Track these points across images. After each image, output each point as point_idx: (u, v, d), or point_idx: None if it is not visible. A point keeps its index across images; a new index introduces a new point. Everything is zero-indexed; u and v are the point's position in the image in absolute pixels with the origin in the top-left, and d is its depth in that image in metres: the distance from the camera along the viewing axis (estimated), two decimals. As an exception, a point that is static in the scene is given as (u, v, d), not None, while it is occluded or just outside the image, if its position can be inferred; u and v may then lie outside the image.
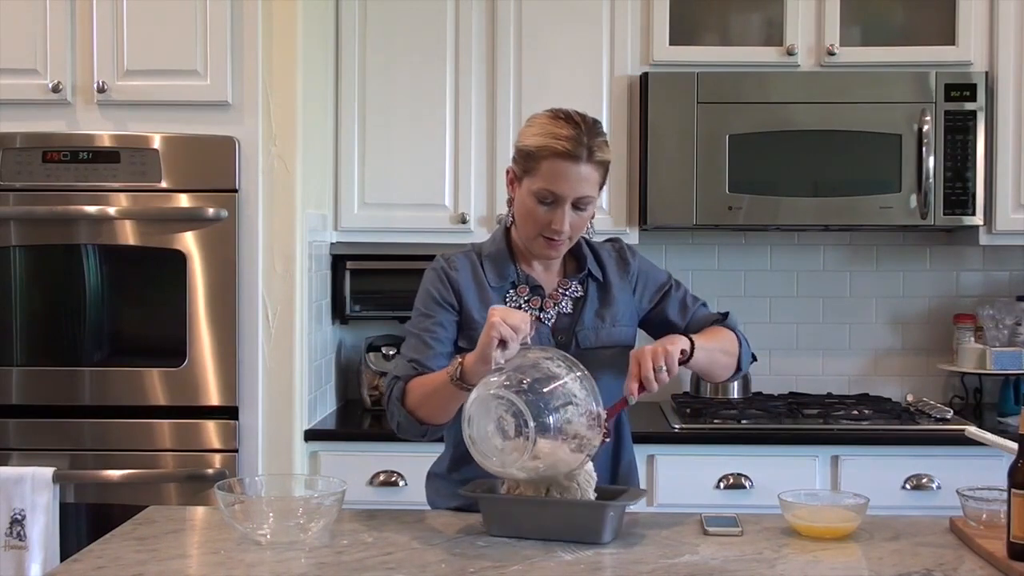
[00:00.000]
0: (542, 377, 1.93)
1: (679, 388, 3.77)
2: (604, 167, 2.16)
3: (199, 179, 3.05)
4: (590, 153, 2.11)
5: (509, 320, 1.92)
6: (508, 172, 2.22)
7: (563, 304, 2.25)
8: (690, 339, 2.13)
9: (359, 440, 3.30)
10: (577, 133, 2.11)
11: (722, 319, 2.32)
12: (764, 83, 3.41)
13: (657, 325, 2.33)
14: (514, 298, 2.23)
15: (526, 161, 2.15)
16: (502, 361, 1.92)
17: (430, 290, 2.23)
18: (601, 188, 2.20)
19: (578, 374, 1.97)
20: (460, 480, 2.20)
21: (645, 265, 2.35)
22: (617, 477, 2.28)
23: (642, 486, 3.08)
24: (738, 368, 2.29)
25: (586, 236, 2.29)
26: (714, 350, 2.21)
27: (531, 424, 1.86)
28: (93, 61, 3.06)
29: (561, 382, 1.94)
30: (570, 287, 2.26)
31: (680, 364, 2.08)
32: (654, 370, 2.01)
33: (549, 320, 2.23)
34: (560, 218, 2.13)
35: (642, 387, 2.02)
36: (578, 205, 2.14)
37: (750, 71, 3.43)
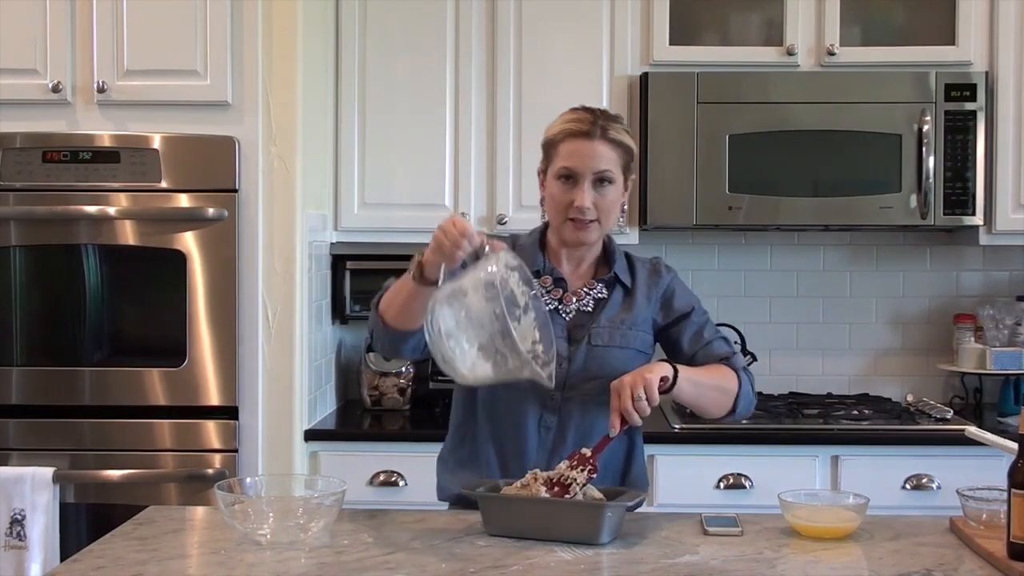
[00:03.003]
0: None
1: (679, 388, 3.76)
2: (622, 148, 2.21)
3: (199, 179, 3.05)
4: (603, 131, 2.18)
5: (459, 224, 1.97)
6: (538, 173, 2.29)
7: (585, 302, 2.27)
8: (674, 367, 2.12)
9: (359, 440, 3.30)
10: (591, 116, 2.21)
11: (730, 357, 2.29)
12: (764, 83, 3.41)
13: (667, 347, 2.34)
14: (537, 286, 2.23)
15: (547, 151, 2.25)
16: (461, 254, 1.94)
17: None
18: (626, 173, 2.23)
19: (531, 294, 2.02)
20: (462, 458, 2.26)
21: (677, 285, 2.35)
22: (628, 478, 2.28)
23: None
24: (733, 410, 2.25)
25: (620, 232, 2.29)
26: (704, 384, 2.19)
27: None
28: (93, 61, 3.06)
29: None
30: (595, 288, 2.28)
31: (663, 393, 2.08)
32: (633, 400, 2.02)
33: (568, 315, 2.24)
34: (581, 194, 2.17)
35: (624, 420, 2.04)
36: (600, 179, 2.18)
37: (750, 71, 3.43)
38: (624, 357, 2.22)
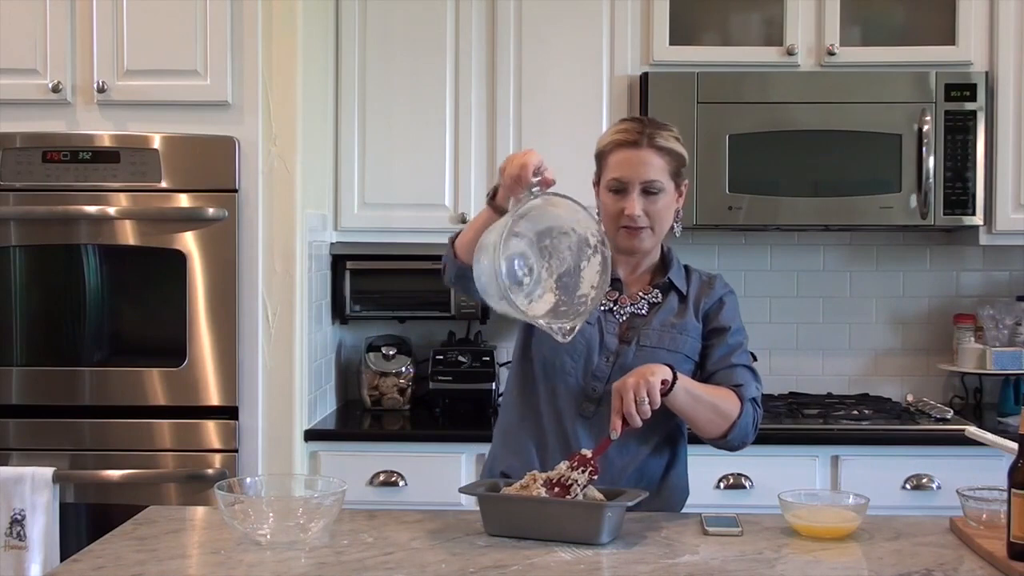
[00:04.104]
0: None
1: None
2: (671, 155, 2.24)
3: (199, 179, 3.05)
4: (650, 139, 2.21)
5: (518, 158, 2.02)
6: (593, 185, 2.32)
7: (639, 306, 2.29)
8: (674, 372, 2.12)
9: (359, 440, 3.30)
10: (637, 125, 2.25)
11: (743, 385, 2.26)
12: (764, 83, 3.41)
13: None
14: None
15: (598, 162, 2.29)
16: (534, 180, 1.99)
17: None
18: (677, 180, 2.26)
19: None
20: (507, 442, 2.30)
21: (728, 300, 2.34)
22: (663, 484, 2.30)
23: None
24: (726, 436, 2.23)
25: (677, 257, 2.34)
26: (701, 399, 2.17)
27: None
28: (93, 61, 3.06)
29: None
30: (651, 293, 2.30)
31: (662, 396, 2.08)
32: (636, 402, 2.03)
33: (622, 317, 2.26)
34: (631, 203, 2.20)
35: (626, 422, 2.04)
36: (648, 190, 2.21)
37: (750, 71, 3.43)
38: (672, 360, 2.20)
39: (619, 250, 2.26)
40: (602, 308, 2.26)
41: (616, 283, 2.28)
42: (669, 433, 2.30)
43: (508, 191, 2.02)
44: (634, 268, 2.32)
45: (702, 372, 2.29)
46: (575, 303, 2.07)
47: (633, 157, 2.21)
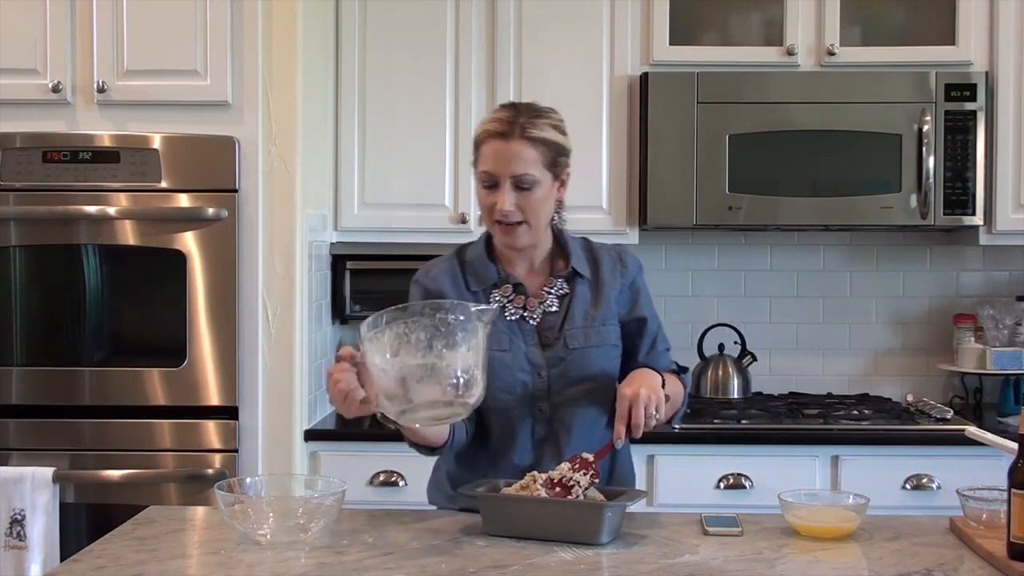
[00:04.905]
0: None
1: (679, 388, 3.76)
2: (546, 145, 2.12)
3: (199, 179, 3.05)
4: (523, 130, 2.10)
5: (330, 381, 1.91)
6: (474, 171, 2.22)
7: (548, 302, 2.22)
8: (662, 378, 2.13)
9: (359, 440, 3.29)
10: (510, 114, 2.13)
11: (677, 371, 2.30)
12: (764, 83, 3.41)
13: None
14: (498, 298, 2.20)
15: (474, 154, 2.18)
16: (371, 407, 1.89)
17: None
18: (555, 170, 2.15)
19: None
20: (454, 474, 2.25)
21: (642, 283, 2.31)
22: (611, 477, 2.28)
23: (642, 486, 3.10)
24: (671, 421, 2.26)
25: (573, 236, 2.27)
26: (673, 396, 2.20)
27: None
28: (93, 61, 3.06)
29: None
30: (555, 285, 2.23)
31: None
32: (645, 416, 2.03)
33: (535, 320, 2.21)
34: (501, 198, 2.11)
35: (627, 431, 2.04)
36: (519, 184, 2.11)
37: (750, 71, 3.43)
38: (602, 354, 2.21)
39: (502, 247, 2.21)
40: (511, 318, 2.19)
41: (519, 287, 2.22)
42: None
43: (360, 411, 1.92)
44: (530, 266, 2.24)
45: (631, 360, 2.26)
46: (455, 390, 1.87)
47: (503, 149, 2.10)
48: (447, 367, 1.84)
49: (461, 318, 1.86)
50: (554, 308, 2.22)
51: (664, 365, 2.27)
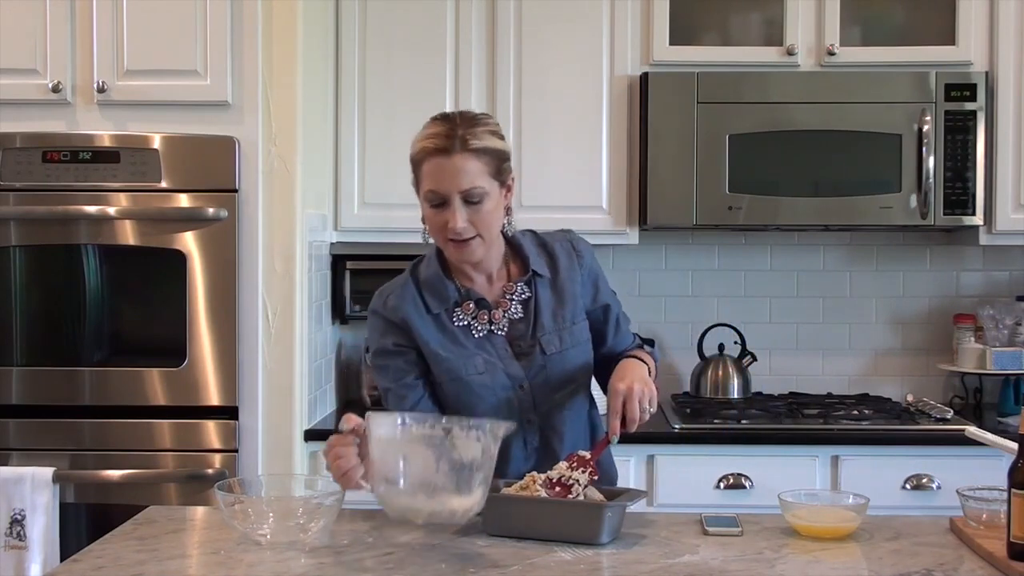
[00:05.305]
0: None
1: (679, 388, 3.76)
2: (489, 155, 2.07)
3: (199, 179, 3.05)
4: (463, 142, 2.04)
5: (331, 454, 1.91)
6: (415, 191, 2.15)
7: (513, 310, 2.19)
8: (648, 367, 2.15)
9: (359, 440, 3.29)
10: (448, 127, 2.06)
11: (643, 346, 2.30)
12: (764, 83, 3.41)
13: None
14: (461, 317, 2.17)
15: (414, 172, 2.12)
16: (365, 485, 1.89)
17: (378, 341, 2.20)
18: (500, 178, 2.11)
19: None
20: None
21: (598, 268, 2.29)
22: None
23: (642, 486, 3.10)
24: None
25: (530, 231, 2.26)
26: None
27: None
28: (93, 61, 3.06)
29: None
30: (515, 291, 2.20)
31: None
32: (640, 410, 2.04)
33: (502, 331, 2.18)
34: (452, 216, 2.05)
35: (622, 425, 2.04)
36: (468, 199, 2.06)
37: (750, 71, 3.43)
38: (579, 353, 2.21)
39: (456, 263, 2.16)
40: (479, 335, 2.16)
41: (482, 302, 2.18)
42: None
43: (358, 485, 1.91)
44: (487, 276, 2.20)
45: (601, 345, 2.26)
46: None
47: (447, 165, 2.03)
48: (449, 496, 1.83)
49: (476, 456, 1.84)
50: (519, 315, 2.19)
51: (629, 343, 2.29)
